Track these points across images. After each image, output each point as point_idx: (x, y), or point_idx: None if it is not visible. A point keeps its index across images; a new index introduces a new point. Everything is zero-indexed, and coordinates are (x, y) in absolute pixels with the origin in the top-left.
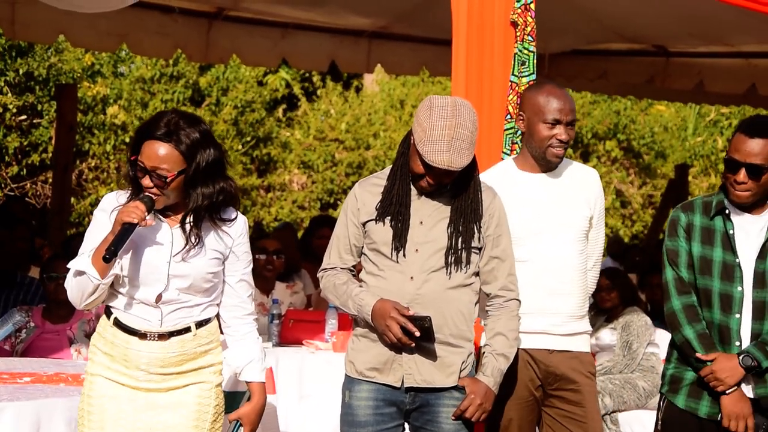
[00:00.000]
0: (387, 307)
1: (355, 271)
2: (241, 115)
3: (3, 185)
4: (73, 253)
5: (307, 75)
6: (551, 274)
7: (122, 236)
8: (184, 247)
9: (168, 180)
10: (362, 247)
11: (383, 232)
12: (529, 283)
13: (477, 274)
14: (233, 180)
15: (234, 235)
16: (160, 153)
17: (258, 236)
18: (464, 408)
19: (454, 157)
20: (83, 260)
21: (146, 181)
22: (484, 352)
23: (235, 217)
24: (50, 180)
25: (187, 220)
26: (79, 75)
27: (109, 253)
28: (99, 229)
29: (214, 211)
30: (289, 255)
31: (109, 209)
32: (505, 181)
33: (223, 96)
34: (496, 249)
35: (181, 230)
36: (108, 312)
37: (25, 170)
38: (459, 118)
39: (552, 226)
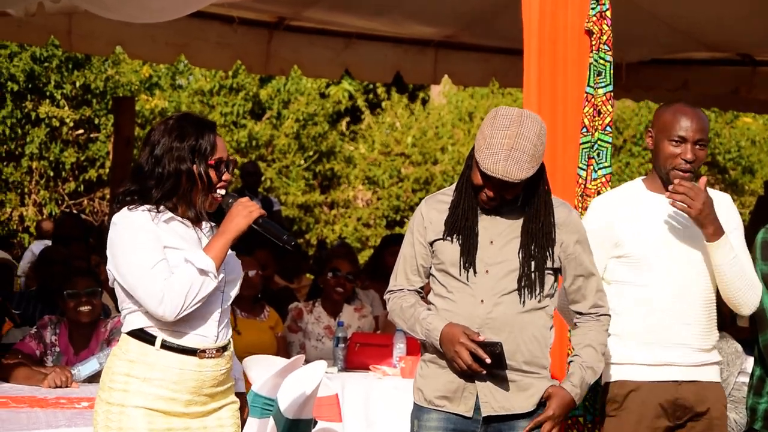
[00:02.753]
0: (456, 332)
1: (423, 292)
2: (303, 129)
3: (60, 201)
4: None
5: (370, 86)
6: (679, 301)
7: (273, 225)
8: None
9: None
10: (430, 267)
11: (451, 251)
12: (655, 310)
13: (551, 295)
14: None
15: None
16: (223, 142)
17: (324, 256)
18: (542, 420)
19: (510, 167)
20: (204, 261)
21: (228, 175)
22: (570, 361)
23: None
24: (107, 196)
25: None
26: (136, 87)
27: (292, 238)
28: (154, 242)
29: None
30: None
31: (153, 225)
32: (631, 200)
33: (284, 109)
34: (580, 267)
35: (211, 230)
36: (144, 336)
37: (82, 186)
38: (522, 128)
39: (681, 250)
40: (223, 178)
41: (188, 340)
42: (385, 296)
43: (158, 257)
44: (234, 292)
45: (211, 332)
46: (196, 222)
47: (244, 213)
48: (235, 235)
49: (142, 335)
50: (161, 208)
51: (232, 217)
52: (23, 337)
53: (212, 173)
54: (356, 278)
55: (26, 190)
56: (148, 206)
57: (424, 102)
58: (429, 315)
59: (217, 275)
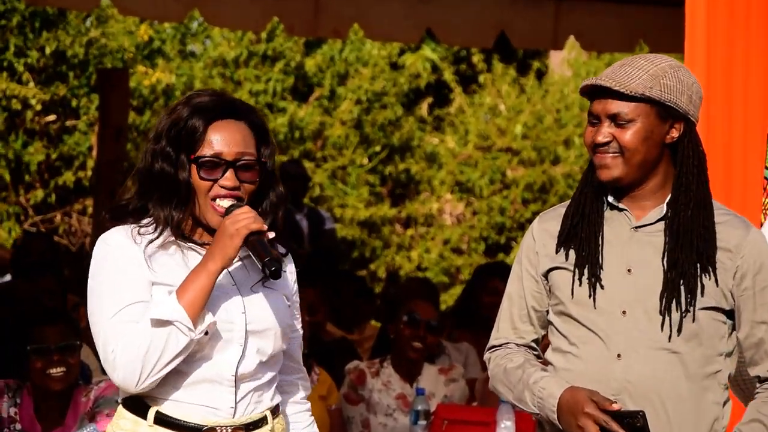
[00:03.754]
0: (580, 398)
1: (539, 349)
2: (367, 114)
3: (22, 217)
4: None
5: (463, 54)
6: None
7: (264, 246)
8: (259, 286)
9: (260, 168)
10: (546, 311)
11: (570, 284)
12: None
13: (728, 354)
14: None
15: (293, 275)
16: (241, 133)
17: (396, 295)
18: None
19: (619, 74)
20: (167, 307)
21: (228, 180)
22: None
23: (286, 251)
24: (90, 210)
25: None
26: (131, 56)
27: (276, 262)
28: (129, 274)
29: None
30: None
31: (133, 247)
32: None
33: (340, 86)
34: (762, 309)
35: (244, 263)
36: (137, 406)
37: (53, 195)
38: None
39: None
40: (221, 183)
41: (190, 414)
42: (485, 354)
43: (128, 298)
44: (268, 346)
45: (224, 403)
46: None
47: (231, 231)
48: (221, 263)
49: (135, 405)
50: (164, 225)
51: (217, 237)
52: None
53: (196, 174)
54: (442, 327)
55: None
56: (137, 223)
57: (540, 75)
58: (543, 378)
59: (195, 325)
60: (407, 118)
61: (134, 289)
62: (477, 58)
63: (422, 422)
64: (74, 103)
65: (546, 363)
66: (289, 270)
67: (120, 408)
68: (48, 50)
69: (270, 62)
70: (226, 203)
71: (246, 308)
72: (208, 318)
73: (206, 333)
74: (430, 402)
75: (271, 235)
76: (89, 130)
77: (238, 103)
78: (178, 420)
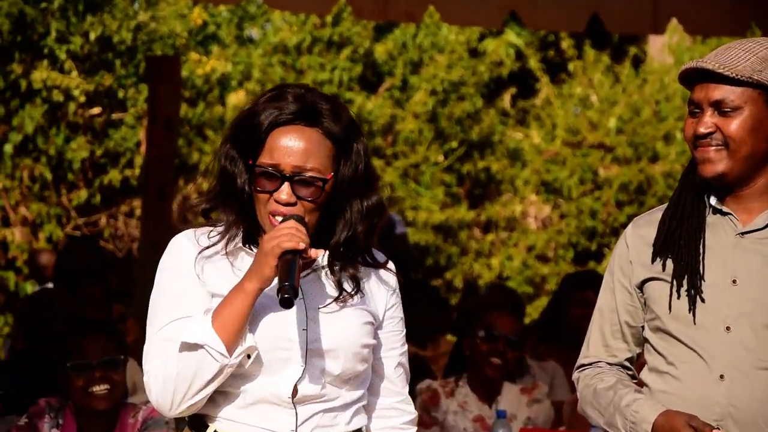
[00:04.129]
0: (677, 423)
1: (633, 368)
2: (443, 106)
3: (64, 219)
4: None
5: (551, 39)
6: None
7: (292, 269)
8: (332, 301)
9: (324, 186)
10: (641, 327)
11: (668, 296)
12: None
13: None
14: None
15: (390, 289)
16: (305, 144)
17: (473, 307)
18: None
19: (724, 57)
20: (197, 328)
21: (283, 195)
22: None
23: (387, 259)
24: (137, 212)
25: (334, 255)
26: (183, 42)
27: (289, 291)
28: (185, 287)
29: (368, 244)
30: None
31: (192, 255)
32: None
33: (413, 75)
34: None
35: (318, 276)
36: (197, 424)
37: (98, 196)
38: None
39: None
40: (275, 197)
41: None
42: (574, 374)
43: (175, 313)
44: (335, 367)
45: (283, 426)
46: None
47: (266, 249)
48: (258, 284)
49: (194, 423)
50: (233, 231)
51: (257, 255)
52: (7, 431)
53: (256, 182)
54: (524, 342)
55: (11, 201)
56: (210, 227)
57: (638, 62)
58: (637, 400)
59: (231, 349)
60: (487, 111)
61: (184, 303)
62: (566, 44)
63: None
64: (121, 94)
65: (641, 384)
66: (389, 284)
67: (186, 428)
68: (92, 36)
69: (336, 49)
70: (281, 218)
71: (309, 325)
72: (248, 341)
73: (248, 356)
74: (511, 425)
75: (316, 253)
76: (137, 123)
77: (319, 106)
78: None
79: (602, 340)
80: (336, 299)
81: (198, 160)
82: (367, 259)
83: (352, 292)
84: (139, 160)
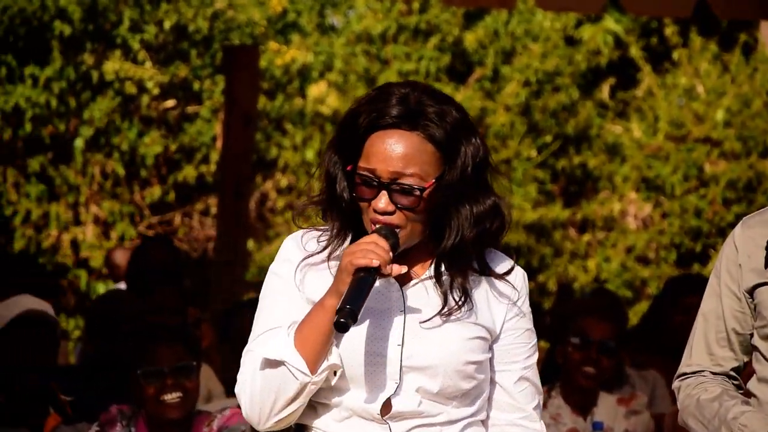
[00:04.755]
0: None
1: (740, 378)
2: (536, 98)
3: (137, 217)
4: (240, 335)
5: (654, 25)
6: None
7: (360, 289)
8: (435, 314)
9: (423, 194)
10: (750, 334)
11: None
12: None
13: None
14: (502, 197)
15: (510, 299)
16: (403, 149)
17: (567, 311)
18: None
19: None
20: (278, 343)
21: (380, 203)
22: None
23: (512, 267)
24: (213, 210)
25: (441, 264)
26: (262, 30)
27: (347, 315)
28: (283, 294)
29: (480, 251)
30: None
31: (296, 260)
32: None
33: (505, 65)
34: None
35: (424, 288)
36: None
37: (172, 193)
38: None
39: None
40: (373, 205)
41: None
42: (674, 383)
43: (272, 323)
44: (433, 385)
45: None
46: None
47: (342, 264)
48: (336, 300)
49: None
50: (339, 238)
51: (337, 270)
52: None
53: (355, 189)
54: (622, 349)
55: (82, 199)
56: (321, 230)
57: (748, 50)
58: (744, 413)
59: (313, 366)
60: (584, 103)
61: (280, 313)
62: (670, 31)
63: None
64: (196, 85)
65: (748, 395)
66: (509, 295)
67: None
68: (167, 25)
69: (423, 37)
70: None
71: (405, 340)
72: (333, 358)
73: (335, 373)
74: None
75: (398, 270)
76: (213, 117)
77: (424, 108)
78: None
79: (706, 347)
80: (440, 312)
81: (277, 155)
82: (483, 267)
83: (459, 304)
84: (215, 156)
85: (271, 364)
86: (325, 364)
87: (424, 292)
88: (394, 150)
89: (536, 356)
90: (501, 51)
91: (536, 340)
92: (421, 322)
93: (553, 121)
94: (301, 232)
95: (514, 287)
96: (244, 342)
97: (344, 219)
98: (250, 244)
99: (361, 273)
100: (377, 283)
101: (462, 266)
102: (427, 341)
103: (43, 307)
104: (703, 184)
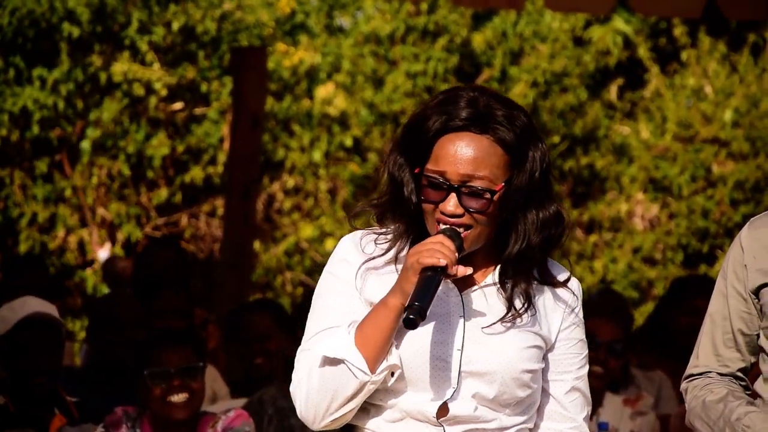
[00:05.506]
0: None
1: (747, 379)
2: (544, 98)
3: (143, 219)
4: (246, 336)
5: (663, 26)
6: None
7: (427, 288)
8: (497, 321)
9: (494, 197)
10: (757, 335)
11: None
12: None
13: None
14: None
15: (566, 308)
16: (474, 152)
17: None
18: None
19: None
20: (338, 342)
21: (449, 205)
22: None
23: (569, 277)
24: (220, 211)
25: (505, 270)
26: (270, 32)
27: (416, 312)
28: (340, 294)
29: (544, 258)
30: None
31: (354, 261)
32: None
33: (513, 65)
34: None
35: (485, 293)
36: None
37: (179, 194)
38: None
39: None
40: (441, 208)
41: None
42: (682, 384)
43: (328, 322)
44: (489, 391)
45: None
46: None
47: (408, 264)
48: (401, 299)
49: None
50: (402, 241)
51: (402, 269)
52: None
53: (422, 192)
54: (628, 350)
55: (89, 201)
56: (378, 232)
57: (757, 51)
58: (749, 414)
59: (373, 366)
60: (592, 104)
61: (338, 313)
62: (679, 31)
63: None
64: (204, 87)
65: (754, 396)
66: (567, 303)
67: None
68: (175, 26)
69: (431, 38)
70: (443, 227)
71: (465, 345)
72: (392, 358)
73: (392, 374)
74: None
75: (463, 271)
76: (221, 118)
77: (493, 111)
78: None
79: (713, 348)
80: (503, 318)
81: (284, 156)
82: (543, 274)
83: (522, 311)
84: (222, 157)
85: (330, 362)
86: (384, 365)
87: (483, 298)
88: (464, 153)
89: (587, 367)
90: (509, 52)
91: (587, 351)
92: (482, 328)
93: (561, 121)
94: (359, 233)
95: (574, 294)
96: (250, 343)
97: (410, 222)
98: (257, 245)
99: (428, 272)
100: (468, 271)
101: (526, 273)
102: (487, 347)
103: (49, 309)
104: (711, 184)
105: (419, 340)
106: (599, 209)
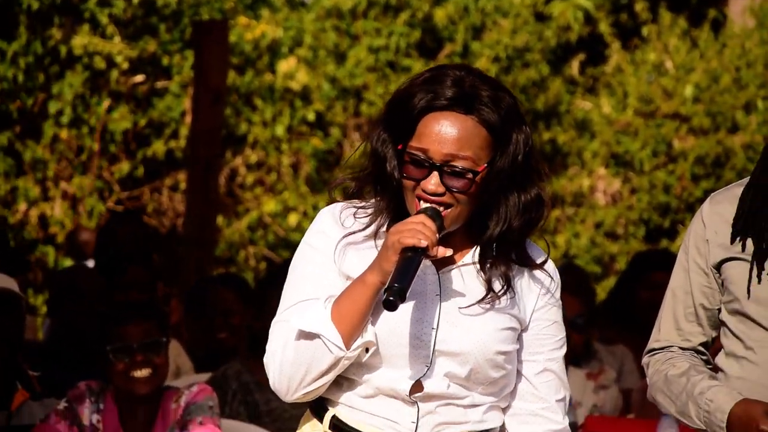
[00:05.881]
0: (755, 413)
1: (708, 353)
2: (506, 73)
3: (106, 193)
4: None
5: (624, 1)
6: None
7: (407, 268)
8: (475, 302)
9: (476, 178)
10: (718, 309)
11: (746, 277)
12: None
13: None
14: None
15: (542, 289)
16: (458, 132)
17: None
18: None
19: None
20: (315, 316)
21: (431, 183)
22: None
23: (546, 259)
24: (182, 185)
25: (485, 252)
26: (231, 5)
27: (396, 293)
28: (318, 266)
29: (523, 240)
30: None
31: (332, 234)
32: None
33: (475, 40)
34: None
35: (460, 273)
36: (317, 408)
37: (141, 168)
38: None
39: None
40: (422, 186)
41: (366, 425)
42: (644, 359)
43: (303, 294)
44: (461, 371)
45: (403, 418)
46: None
47: (389, 242)
48: (379, 277)
49: (315, 407)
50: (383, 216)
51: (382, 247)
52: (46, 416)
53: (404, 168)
54: (589, 325)
55: (50, 174)
56: (357, 206)
57: (717, 26)
58: (711, 388)
59: (348, 342)
60: (554, 79)
61: (316, 285)
62: (640, 7)
63: None
64: (165, 61)
65: (716, 369)
66: (542, 284)
67: (307, 413)
68: None
69: (393, 13)
70: (425, 206)
71: (440, 324)
72: (368, 335)
73: (367, 350)
74: (576, 412)
75: (443, 252)
76: (183, 92)
77: (479, 92)
78: (353, 429)
79: (675, 323)
80: (482, 300)
81: (247, 131)
82: (521, 256)
83: (500, 293)
84: (184, 131)
85: (306, 336)
86: (360, 341)
87: (460, 278)
88: (448, 132)
89: (564, 350)
90: (471, 27)
91: (565, 334)
92: (460, 308)
93: (523, 96)
94: (338, 205)
95: (550, 276)
96: (214, 318)
97: (391, 197)
98: (220, 219)
99: (409, 253)
100: (448, 252)
101: (506, 255)
102: (462, 328)
103: (8, 283)
104: (672, 159)
105: (395, 317)
106: (561, 184)
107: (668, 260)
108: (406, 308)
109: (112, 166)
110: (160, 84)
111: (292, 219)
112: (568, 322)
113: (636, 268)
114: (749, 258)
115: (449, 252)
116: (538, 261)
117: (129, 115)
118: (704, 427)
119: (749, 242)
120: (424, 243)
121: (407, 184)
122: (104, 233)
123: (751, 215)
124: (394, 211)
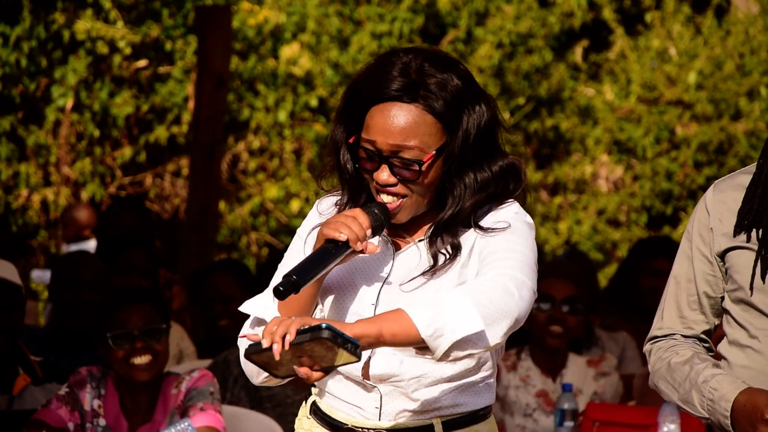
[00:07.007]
0: (759, 402)
1: (710, 341)
2: (509, 60)
3: (108, 178)
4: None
5: None
6: None
7: (318, 260)
8: (419, 275)
9: (423, 168)
10: (721, 297)
11: (752, 266)
12: None
13: None
14: (514, 155)
15: (480, 230)
16: (403, 122)
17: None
18: None
19: None
20: (263, 303)
21: (382, 175)
22: None
23: (508, 226)
24: (185, 171)
25: (437, 228)
26: None
27: (287, 284)
28: (295, 252)
29: (476, 217)
30: None
31: (313, 222)
32: None
33: (478, 26)
34: None
35: (417, 249)
36: (308, 393)
37: (143, 154)
38: None
39: None
40: (376, 177)
41: (336, 410)
42: (646, 346)
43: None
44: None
45: (367, 403)
46: (408, 234)
47: (319, 232)
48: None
49: (309, 391)
50: (348, 206)
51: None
52: (47, 400)
53: (362, 161)
54: (591, 310)
55: (52, 159)
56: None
57: (721, 12)
58: (715, 376)
59: None
60: (557, 65)
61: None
62: None
63: (568, 424)
64: (168, 46)
65: (719, 358)
66: (477, 229)
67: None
68: None
69: (396, 0)
70: (386, 198)
71: (380, 301)
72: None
73: None
74: (577, 399)
75: (372, 248)
76: (185, 77)
77: (425, 78)
78: (326, 414)
79: (677, 310)
80: (424, 272)
81: (249, 116)
82: (477, 222)
83: (446, 262)
84: (187, 117)
85: (258, 322)
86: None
87: (417, 255)
88: (393, 123)
89: (520, 257)
90: (474, 13)
91: (521, 244)
92: (401, 284)
93: (526, 83)
94: (324, 196)
95: (490, 218)
96: (214, 304)
97: (351, 187)
98: (222, 205)
99: (330, 244)
100: (379, 248)
101: (454, 228)
102: (399, 302)
103: (7, 272)
104: (675, 146)
105: (340, 297)
106: (564, 171)
107: (670, 247)
108: (355, 289)
109: (114, 152)
110: (162, 69)
111: (294, 205)
112: (562, 303)
113: (638, 255)
114: (755, 247)
115: (378, 249)
116: (499, 222)
117: (131, 100)
118: (707, 416)
119: (754, 231)
120: (343, 237)
121: (366, 175)
122: (106, 218)
123: (757, 205)
124: (364, 198)
